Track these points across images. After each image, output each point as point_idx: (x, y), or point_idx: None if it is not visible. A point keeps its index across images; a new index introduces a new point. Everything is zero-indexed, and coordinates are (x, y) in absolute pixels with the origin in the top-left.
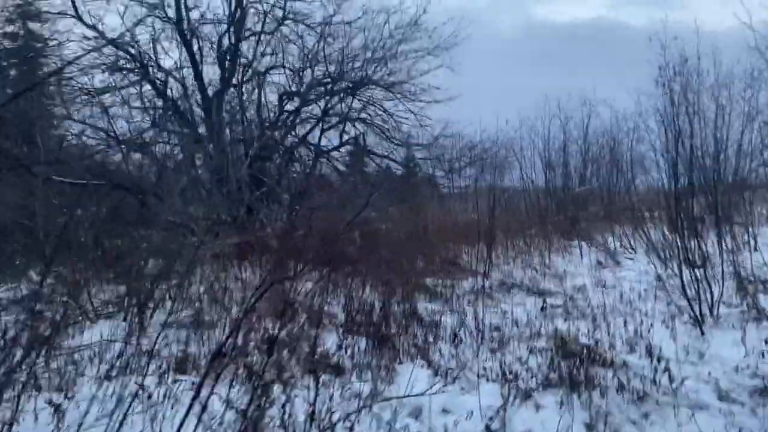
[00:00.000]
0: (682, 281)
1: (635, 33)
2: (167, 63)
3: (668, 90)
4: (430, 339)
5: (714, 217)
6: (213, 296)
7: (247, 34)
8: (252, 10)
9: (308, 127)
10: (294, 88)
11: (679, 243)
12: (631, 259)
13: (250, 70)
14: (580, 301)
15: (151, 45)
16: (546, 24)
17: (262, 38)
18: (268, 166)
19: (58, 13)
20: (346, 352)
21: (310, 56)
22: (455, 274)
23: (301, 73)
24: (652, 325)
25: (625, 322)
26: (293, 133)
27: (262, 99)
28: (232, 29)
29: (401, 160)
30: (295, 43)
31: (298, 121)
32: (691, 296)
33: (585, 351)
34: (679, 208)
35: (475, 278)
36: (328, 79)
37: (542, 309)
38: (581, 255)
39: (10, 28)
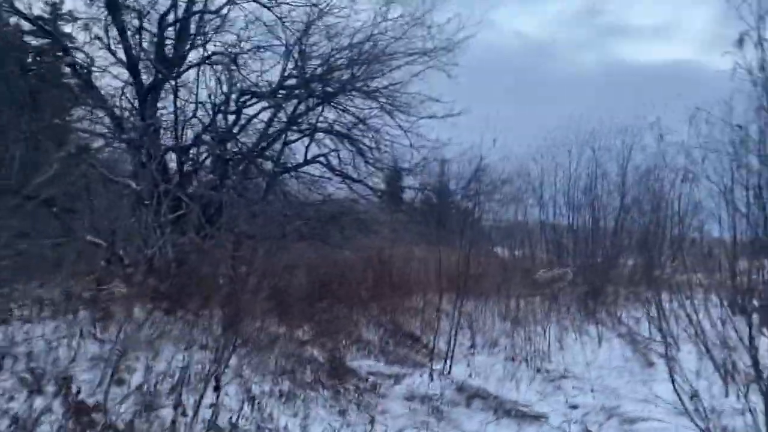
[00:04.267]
0: None
1: (718, 76)
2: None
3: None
4: None
5: None
6: None
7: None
8: None
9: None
10: (261, 89)
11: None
12: (672, 359)
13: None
14: None
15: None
16: (627, 63)
17: (206, 18)
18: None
19: None
20: None
21: (289, 49)
22: (410, 356)
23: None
24: None
25: None
26: (243, 144)
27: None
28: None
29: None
30: (270, 31)
31: (262, 128)
32: None
33: None
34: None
35: (431, 370)
36: (301, 80)
37: None
38: (599, 342)
39: None
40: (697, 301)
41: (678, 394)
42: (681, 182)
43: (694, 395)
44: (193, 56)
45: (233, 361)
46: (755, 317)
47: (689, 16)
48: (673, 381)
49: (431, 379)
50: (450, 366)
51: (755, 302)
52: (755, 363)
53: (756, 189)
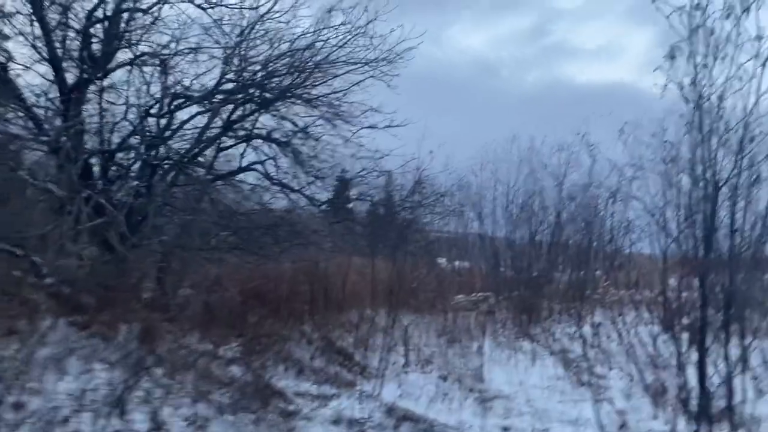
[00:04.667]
0: None
1: (654, 96)
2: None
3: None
4: None
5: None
6: None
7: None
8: None
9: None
10: (196, 92)
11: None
12: (602, 378)
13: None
14: None
15: None
16: (569, 83)
17: (136, 16)
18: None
19: None
20: None
21: (227, 52)
22: (342, 375)
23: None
24: None
25: None
26: (174, 149)
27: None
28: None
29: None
30: (207, 33)
31: (195, 133)
32: None
33: None
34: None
35: (361, 391)
36: (239, 84)
37: None
38: (533, 360)
39: None
40: (629, 318)
41: (602, 421)
42: (611, 201)
43: (622, 425)
44: (122, 56)
45: (146, 382)
46: (684, 336)
47: (630, 39)
48: (597, 407)
49: (360, 400)
50: (381, 386)
51: (684, 320)
52: (683, 385)
53: (686, 208)
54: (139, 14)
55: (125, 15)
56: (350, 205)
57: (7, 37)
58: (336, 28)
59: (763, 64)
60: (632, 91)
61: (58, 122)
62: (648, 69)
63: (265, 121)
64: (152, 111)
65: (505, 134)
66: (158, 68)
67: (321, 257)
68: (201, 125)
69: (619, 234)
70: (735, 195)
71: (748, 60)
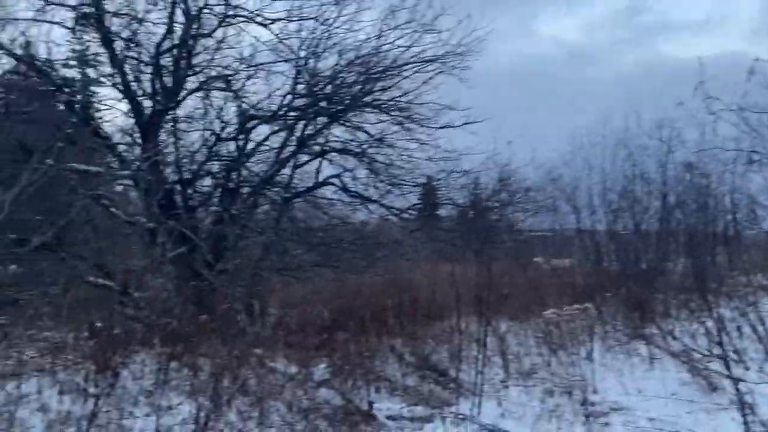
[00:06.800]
0: None
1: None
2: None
3: None
4: None
5: None
6: None
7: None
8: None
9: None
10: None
11: None
12: (740, 381)
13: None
14: None
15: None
16: (669, 60)
17: (202, 41)
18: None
19: None
20: None
21: (298, 68)
22: (436, 393)
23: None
24: None
25: None
26: (252, 172)
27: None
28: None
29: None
30: (274, 51)
31: (272, 153)
32: None
33: None
34: None
35: (457, 412)
36: (309, 99)
37: None
38: (650, 364)
39: None
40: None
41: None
42: (748, 164)
43: None
44: (193, 83)
45: (231, 414)
46: None
47: (735, 7)
48: (744, 416)
49: (457, 423)
50: (479, 405)
51: None
52: None
53: None
54: (206, 39)
55: (191, 41)
56: (438, 211)
57: (91, 81)
58: (402, 28)
59: None
60: (743, 59)
61: (136, 155)
62: (760, 35)
63: (339, 133)
64: (224, 135)
65: (597, 119)
66: (228, 92)
67: (406, 267)
68: (275, 145)
69: (742, 213)
70: None
71: None
